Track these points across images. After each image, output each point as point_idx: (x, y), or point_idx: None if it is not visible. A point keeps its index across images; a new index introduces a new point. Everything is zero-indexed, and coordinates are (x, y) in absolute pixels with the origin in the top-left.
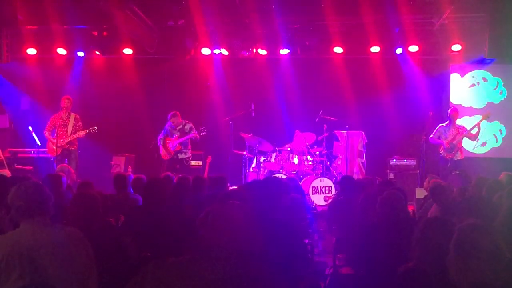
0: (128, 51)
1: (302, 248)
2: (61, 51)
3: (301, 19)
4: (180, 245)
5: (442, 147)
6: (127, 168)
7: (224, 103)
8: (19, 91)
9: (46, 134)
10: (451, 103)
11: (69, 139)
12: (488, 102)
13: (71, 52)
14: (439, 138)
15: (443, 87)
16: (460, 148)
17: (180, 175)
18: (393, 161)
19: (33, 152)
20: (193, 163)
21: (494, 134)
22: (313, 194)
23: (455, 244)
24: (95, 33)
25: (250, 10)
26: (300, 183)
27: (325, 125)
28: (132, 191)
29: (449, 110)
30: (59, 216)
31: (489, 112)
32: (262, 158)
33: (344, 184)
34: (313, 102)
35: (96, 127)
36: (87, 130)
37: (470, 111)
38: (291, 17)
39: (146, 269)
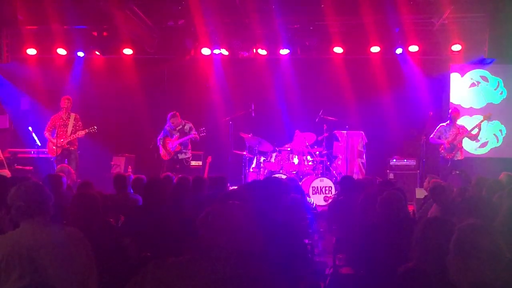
0: (128, 51)
1: (302, 248)
2: (61, 51)
3: (301, 19)
4: (180, 245)
5: (442, 147)
6: (127, 168)
7: (224, 103)
8: (19, 91)
9: (46, 134)
10: (451, 103)
11: (69, 139)
12: (488, 102)
13: (71, 52)
14: (439, 138)
15: (443, 87)
16: (461, 149)
17: (180, 175)
18: (393, 161)
19: (33, 153)
20: (193, 163)
21: (494, 134)
22: (313, 194)
23: (455, 244)
24: (95, 33)
25: (250, 10)
26: (300, 183)
27: (325, 125)
28: (132, 191)
29: (450, 110)
30: (59, 216)
31: (490, 113)
32: (262, 158)
33: (344, 184)
34: (313, 102)
35: (95, 127)
36: (86, 130)
37: (470, 111)
38: (291, 17)
39: (146, 269)
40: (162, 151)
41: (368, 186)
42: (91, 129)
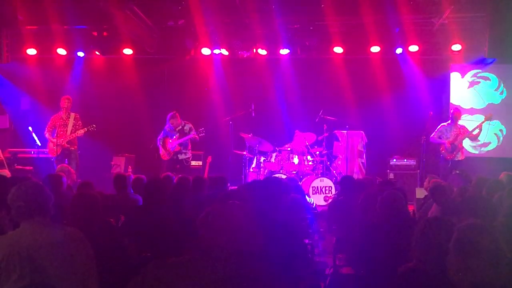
0: (128, 51)
1: (302, 248)
2: (61, 51)
3: (301, 19)
4: (180, 245)
5: (443, 147)
6: (127, 168)
7: (224, 103)
8: (19, 91)
9: (47, 135)
10: (452, 103)
11: (69, 138)
12: (488, 102)
13: (71, 52)
14: (440, 137)
15: (443, 87)
16: (461, 149)
17: (180, 175)
18: (393, 161)
19: (33, 152)
20: (193, 163)
21: (495, 134)
22: (313, 194)
23: (455, 244)
24: (95, 33)
25: (250, 10)
26: (300, 183)
27: (325, 125)
28: (132, 191)
29: (451, 110)
30: (59, 216)
31: (491, 114)
32: (262, 158)
33: (344, 184)
34: (313, 102)
35: (94, 126)
36: (86, 129)
37: (471, 111)
38: (291, 17)
39: (146, 269)
40: (162, 151)
41: (368, 186)
42: (90, 127)
